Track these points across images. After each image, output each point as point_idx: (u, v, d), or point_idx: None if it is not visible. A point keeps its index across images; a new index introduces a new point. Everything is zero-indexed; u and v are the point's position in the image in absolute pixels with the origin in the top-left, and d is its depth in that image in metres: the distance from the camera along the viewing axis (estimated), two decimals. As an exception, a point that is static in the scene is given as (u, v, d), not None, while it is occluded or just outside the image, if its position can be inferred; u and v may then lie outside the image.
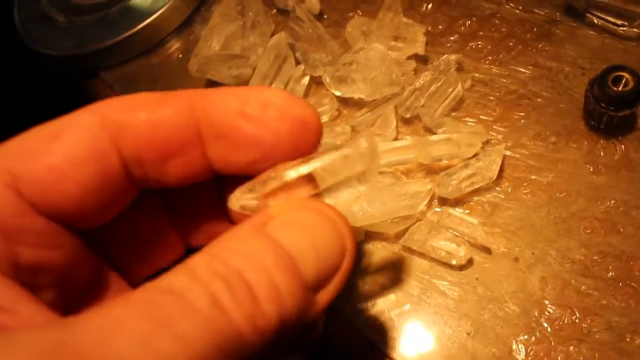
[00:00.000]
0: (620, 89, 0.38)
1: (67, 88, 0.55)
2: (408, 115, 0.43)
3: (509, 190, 0.41)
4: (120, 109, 0.23)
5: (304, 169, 0.23)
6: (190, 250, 0.29)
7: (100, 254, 0.26)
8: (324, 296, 0.22)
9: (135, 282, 0.27)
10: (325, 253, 0.22)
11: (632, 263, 0.37)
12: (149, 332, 0.17)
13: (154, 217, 0.28)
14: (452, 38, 0.47)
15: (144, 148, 0.23)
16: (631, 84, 0.38)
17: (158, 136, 0.23)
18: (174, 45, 0.53)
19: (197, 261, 0.20)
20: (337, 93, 0.44)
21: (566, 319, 0.36)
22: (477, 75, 0.45)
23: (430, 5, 0.49)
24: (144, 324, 0.17)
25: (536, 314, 0.37)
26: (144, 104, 0.23)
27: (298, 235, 0.22)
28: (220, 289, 0.19)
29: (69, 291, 0.23)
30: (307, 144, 0.25)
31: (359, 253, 0.40)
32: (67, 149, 0.22)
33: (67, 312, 0.23)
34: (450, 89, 0.43)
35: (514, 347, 0.36)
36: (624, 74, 0.38)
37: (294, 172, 0.23)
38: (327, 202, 0.23)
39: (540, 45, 0.46)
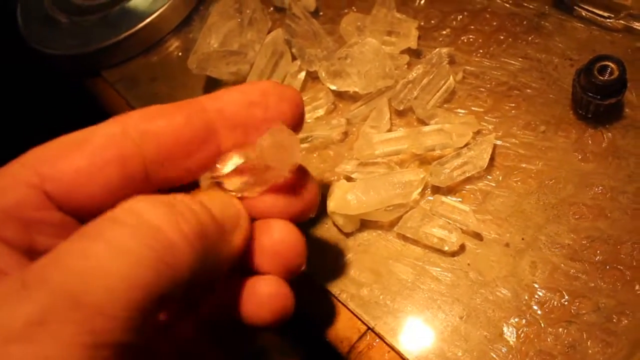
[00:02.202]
0: (606, 78, 0.39)
1: (70, 87, 0.57)
2: (401, 108, 0.44)
3: (500, 179, 0.42)
4: (141, 119, 0.26)
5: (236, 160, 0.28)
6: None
7: None
8: (235, 237, 0.27)
9: None
10: (225, 205, 0.27)
11: (619, 247, 0.38)
12: (89, 246, 0.20)
13: None
14: (444, 32, 0.48)
15: (167, 150, 0.27)
16: (616, 73, 0.39)
17: (178, 137, 0.27)
18: (174, 44, 0.55)
19: (124, 202, 0.23)
20: (333, 87, 0.46)
21: (555, 302, 0.38)
22: (468, 67, 0.46)
23: (422, 1, 0.50)
24: (84, 242, 0.21)
25: (526, 297, 0.38)
26: (162, 112, 0.27)
27: (204, 195, 0.27)
28: (145, 207, 0.22)
29: None
30: (299, 120, 0.30)
31: (355, 241, 0.41)
32: (92, 154, 0.25)
33: None
34: (443, 82, 0.44)
35: (505, 330, 0.37)
36: (610, 63, 0.39)
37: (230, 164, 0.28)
38: None
39: (530, 38, 0.47)
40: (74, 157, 0.25)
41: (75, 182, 0.25)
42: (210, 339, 0.30)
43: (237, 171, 0.28)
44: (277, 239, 0.29)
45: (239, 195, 0.29)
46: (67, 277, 0.19)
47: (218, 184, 0.29)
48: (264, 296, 0.29)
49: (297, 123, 0.30)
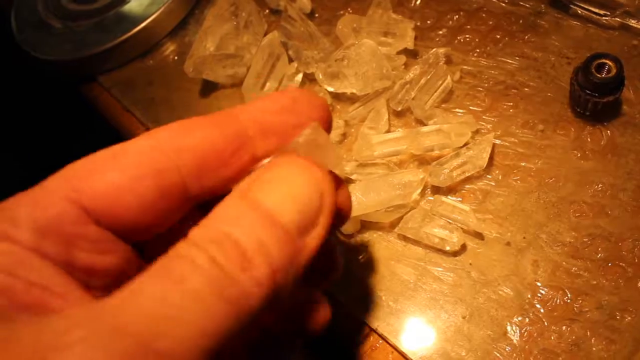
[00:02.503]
0: (603, 75, 0.39)
1: (66, 92, 0.56)
2: (399, 108, 0.44)
3: (500, 178, 0.42)
4: (175, 133, 0.26)
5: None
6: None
7: (147, 259, 0.28)
8: (313, 238, 0.25)
9: None
10: (303, 200, 0.25)
11: (620, 244, 0.38)
12: (164, 290, 0.20)
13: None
14: (440, 32, 0.48)
15: (203, 161, 0.26)
16: (614, 71, 0.39)
17: (213, 149, 0.26)
18: (169, 48, 0.55)
19: (192, 232, 0.23)
20: (330, 89, 0.45)
21: (558, 300, 0.37)
22: (465, 67, 0.46)
23: (418, 1, 0.50)
24: (160, 283, 0.20)
25: (529, 296, 0.38)
26: (196, 125, 0.27)
27: (276, 191, 0.24)
28: (214, 249, 0.22)
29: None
30: (329, 124, 0.30)
31: (356, 242, 0.41)
32: (127, 167, 0.25)
33: None
34: (440, 82, 0.44)
35: (509, 328, 0.37)
36: (607, 61, 0.39)
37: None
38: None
39: (526, 37, 0.47)
40: (109, 172, 0.25)
41: (111, 197, 0.25)
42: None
43: None
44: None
45: None
46: (143, 322, 0.20)
47: None
48: (324, 308, 0.30)
49: (326, 128, 0.30)
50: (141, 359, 0.19)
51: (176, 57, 0.53)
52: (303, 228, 0.24)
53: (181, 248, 0.22)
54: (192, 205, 0.27)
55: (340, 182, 0.31)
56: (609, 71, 0.39)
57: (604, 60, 0.40)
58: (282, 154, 0.27)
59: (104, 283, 0.25)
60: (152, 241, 0.28)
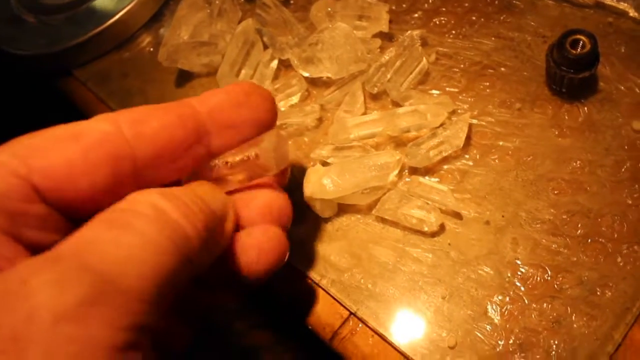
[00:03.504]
0: (578, 51, 0.39)
1: (41, 87, 0.56)
2: (375, 91, 0.44)
3: (478, 157, 0.41)
4: (134, 119, 0.27)
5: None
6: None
7: None
8: (227, 227, 0.29)
9: None
10: (219, 199, 0.29)
11: (599, 220, 0.38)
12: (117, 234, 0.22)
13: None
14: (415, 15, 0.48)
15: (159, 151, 0.27)
16: (588, 46, 0.39)
17: (171, 139, 0.27)
18: (145, 40, 0.54)
19: (133, 195, 0.25)
20: (305, 74, 0.45)
21: (538, 278, 0.37)
22: (441, 49, 0.46)
23: (393, -15, 0.50)
24: (111, 231, 0.22)
25: (509, 274, 0.37)
26: (155, 114, 0.27)
27: (201, 187, 0.29)
28: (158, 199, 0.24)
29: None
30: (276, 115, 0.32)
31: (334, 225, 0.41)
32: (86, 149, 0.25)
33: None
34: (416, 64, 0.44)
35: (489, 307, 0.37)
36: (581, 37, 0.39)
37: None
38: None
39: (502, 17, 0.46)
40: (67, 151, 0.25)
41: (64, 176, 0.25)
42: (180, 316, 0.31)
43: (239, 168, 0.31)
44: (268, 196, 0.32)
45: (236, 187, 0.32)
46: (107, 264, 0.21)
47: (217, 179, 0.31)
48: (262, 240, 0.31)
49: (274, 119, 0.32)
50: (108, 296, 0.20)
51: (152, 49, 0.53)
52: (221, 215, 0.29)
53: (118, 207, 0.24)
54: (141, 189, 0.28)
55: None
56: (583, 47, 0.39)
57: (578, 36, 0.39)
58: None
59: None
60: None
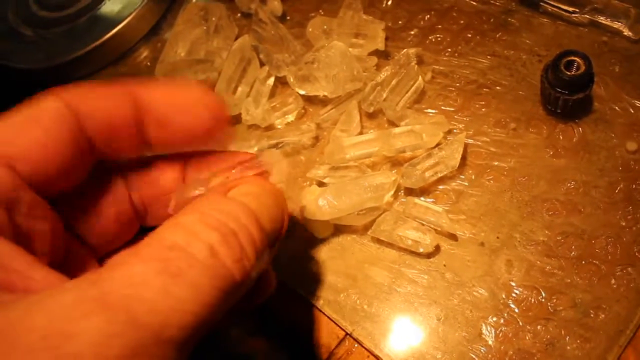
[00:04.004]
0: (572, 73, 0.39)
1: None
2: (371, 110, 0.44)
3: (473, 177, 0.42)
4: (79, 97, 0.27)
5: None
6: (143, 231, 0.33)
7: (72, 232, 0.29)
8: (274, 248, 0.28)
9: (99, 256, 0.31)
10: (274, 217, 0.27)
11: (593, 241, 0.38)
12: (167, 283, 0.22)
13: (118, 201, 0.31)
14: (412, 32, 0.48)
15: (100, 130, 0.27)
16: (583, 68, 0.39)
17: (109, 122, 0.28)
18: (143, 54, 0.54)
19: (188, 219, 0.24)
20: (302, 92, 0.45)
21: (533, 299, 0.37)
22: (437, 67, 0.46)
23: (390, 2, 0.50)
24: (162, 277, 0.22)
25: (503, 296, 0.38)
26: (98, 94, 0.28)
27: (255, 201, 0.27)
28: (216, 239, 0.23)
29: (52, 260, 0.27)
30: (221, 129, 0.31)
31: (330, 246, 0.41)
32: (49, 132, 0.26)
33: None
34: (411, 82, 0.44)
35: (484, 329, 0.37)
36: (576, 58, 0.39)
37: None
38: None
39: (497, 35, 0.47)
40: (33, 135, 0.25)
41: (37, 158, 0.25)
42: None
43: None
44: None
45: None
46: (154, 315, 0.21)
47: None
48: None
49: (219, 130, 0.31)
50: (153, 348, 0.21)
51: (149, 63, 0.53)
52: (272, 238, 0.27)
53: (177, 236, 0.23)
54: (96, 161, 0.29)
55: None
56: (577, 68, 0.39)
57: (573, 58, 0.39)
58: (252, 178, 0.29)
59: (41, 251, 0.26)
60: (77, 213, 0.29)
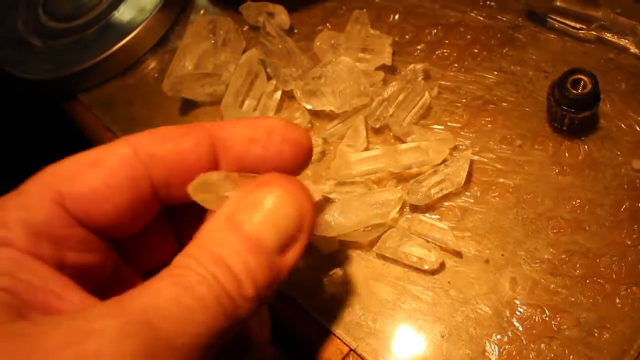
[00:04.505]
0: (579, 91, 0.39)
1: (47, 110, 0.56)
2: (378, 125, 0.44)
3: (478, 194, 0.42)
4: (151, 142, 0.28)
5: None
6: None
7: (120, 254, 0.30)
8: (293, 253, 0.28)
9: (142, 274, 0.32)
10: (283, 221, 0.27)
11: (598, 260, 0.38)
12: (179, 293, 0.23)
13: (161, 226, 0.32)
14: (419, 47, 0.48)
15: (172, 172, 0.28)
16: (589, 86, 0.39)
17: (183, 163, 0.28)
18: (150, 65, 0.54)
19: (193, 250, 0.26)
20: (308, 106, 0.45)
21: (537, 318, 0.37)
22: (443, 82, 0.46)
23: (397, 16, 0.50)
24: (175, 289, 0.24)
25: (507, 314, 0.38)
26: (171, 136, 0.28)
27: (258, 216, 0.27)
28: (213, 268, 0.25)
29: (99, 283, 0.28)
30: (303, 162, 0.31)
31: (335, 262, 0.41)
32: (106, 175, 0.27)
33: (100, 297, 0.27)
34: (418, 98, 0.44)
35: (487, 347, 0.37)
36: (582, 76, 0.39)
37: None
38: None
39: (504, 51, 0.47)
40: (90, 177, 0.26)
41: (90, 202, 0.26)
42: None
43: None
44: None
45: None
46: (166, 321, 0.23)
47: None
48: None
49: (299, 164, 0.31)
50: (165, 352, 0.22)
51: (156, 75, 0.53)
52: (282, 245, 0.27)
53: (184, 261, 0.25)
54: (161, 207, 0.30)
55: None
56: (584, 87, 0.39)
57: (579, 76, 0.40)
58: (263, 179, 0.28)
59: (88, 278, 0.27)
60: (130, 239, 0.30)
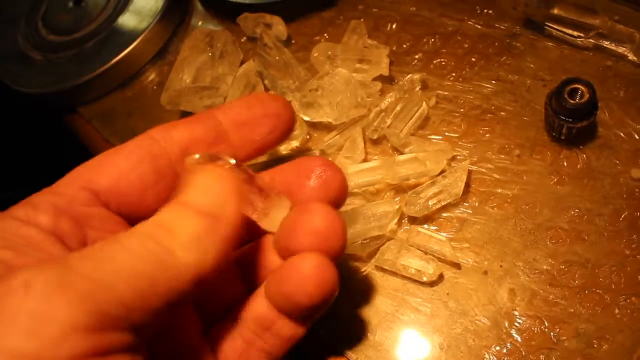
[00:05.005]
0: (576, 101, 0.39)
1: (47, 123, 0.56)
2: (375, 136, 0.44)
3: (476, 205, 0.42)
4: (165, 128, 0.32)
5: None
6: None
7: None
8: (227, 212, 0.28)
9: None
10: (210, 188, 0.28)
11: (597, 270, 0.38)
12: (104, 244, 0.25)
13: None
14: (416, 57, 0.48)
15: (188, 148, 0.31)
16: (587, 96, 0.39)
17: (193, 138, 0.32)
18: (149, 77, 0.55)
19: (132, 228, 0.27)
20: (306, 118, 0.45)
21: (536, 329, 0.37)
22: (441, 92, 0.46)
23: (394, 25, 0.50)
24: (101, 242, 0.25)
25: (506, 325, 0.38)
26: (181, 122, 0.32)
27: (190, 189, 0.28)
28: (148, 229, 0.26)
29: None
30: (291, 115, 0.35)
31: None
32: (128, 155, 0.30)
33: None
34: (416, 108, 0.44)
35: (486, 358, 0.37)
36: (580, 86, 0.39)
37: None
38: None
39: (502, 59, 0.47)
40: (114, 161, 0.30)
41: (117, 180, 0.30)
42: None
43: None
44: (318, 219, 0.31)
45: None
46: (83, 260, 0.24)
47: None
48: (307, 269, 0.30)
49: (289, 117, 0.35)
50: (74, 281, 0.22)
51: (155, 87, 0.53)
52: (215, 205, 0.28)
53: (124, 234, 0.26)
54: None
55: (334, 166, 0.34)
56: (581, 96, 0.39)
57: (577, 85, 0.39)
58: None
59: None
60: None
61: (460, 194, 0.41)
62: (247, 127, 0.33)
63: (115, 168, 0.30)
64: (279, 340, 0.32)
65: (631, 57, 0.44)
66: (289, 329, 0.32)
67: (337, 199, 0.33)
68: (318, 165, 0.33)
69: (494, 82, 0.46)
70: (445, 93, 0.46)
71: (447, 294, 0.39)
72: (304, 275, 0.30)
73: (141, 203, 0.31)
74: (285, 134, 0.35)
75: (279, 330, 0.32)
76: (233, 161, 0.30)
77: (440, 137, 0.44)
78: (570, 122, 0.40)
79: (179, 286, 0.25)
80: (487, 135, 0.44)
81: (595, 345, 0.36)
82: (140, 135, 0.32)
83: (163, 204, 0.29)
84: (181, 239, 0.26)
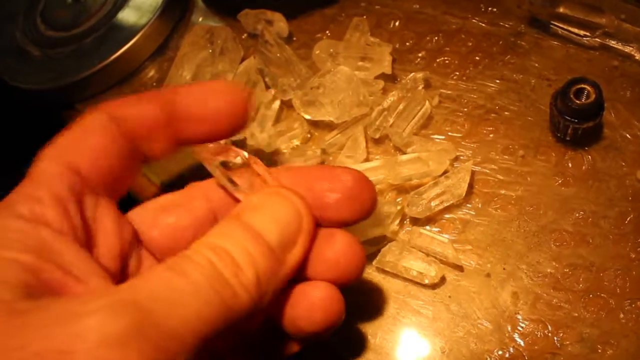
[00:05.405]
0: (582, 101, 0.39)
1: (45, 120, 0.56)
2: (377, 136, 0.44)
3: (480, 206, 0.41)
4: (116, 107, 0.31)
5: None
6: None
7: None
8: (293, 255, 0.29)
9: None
10: (284, 223, 0.29)
11: (601, 274, 0.38)
12: (171, 277, 0.24)
13: None
14: (419, 55, 0.48)
15: (137, 132, 0.31)
16: (593, 96, 0.38)
17: (142, 122, 0.31)
18: (149, 74, 0.54)
19: (195, 244, 0.27)
20: (307, 116, 0.45)
21: (539, 333, 0.37)
22: (444, 91, 0.46)
23: (397, 23, 0.50)
24: (167, 273, 0.24)
25: (509, 329, 0.37)
26: (138, 101, 0.31)
27: (262, 215, 0.29)
28: (211, 255, 0.26)
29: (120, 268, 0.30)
30: (243, 108, 0.33)
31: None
32: (100, 139, 0.29)
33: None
34: (418, 107, 0.43)
35: (489, 363, 0.37)
36: (586, 86, 0.39)
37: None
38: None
39: (506, 58, 0.46)
40: (90, 142, 0.29)
41: (95, 162, 0.29)
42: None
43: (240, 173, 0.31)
44: (339, 250, 0.31)
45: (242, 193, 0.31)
46: (156, 302, 0.23)
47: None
48: (317, 299, 0.30)
49: (242, 110, 0.33)
50: (151, 333, 0.22)
51: (155, 84, 0.53)
52: (283, 244, 0.28)
53: (182, 253, 0.26)
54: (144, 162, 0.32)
55: (367, 181, 0.33)
56: (588, 96, 0.39)
57: (583, 86, 0.39)
58: (268, 187, 0.31)
59: (113, 255, 0.29)
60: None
61: (463, 195, 0.40)
62: (199, 120, 0.32)
63: (90, 149, 0.29)
64: (272, 353, 0.33)
65: (638, 56, 0.43)
66: (284, 346, 0.33)
67: (366, 215, 0.33)
68: (352, 179, 0.32)
69: (498, 81, 0.45)
70: (449, 92, 0.45)
71: (449, 296, 0.39)
72: (313, 304, 0.30)
73: (113, 180, 0.30)
74: (235, 131, 0.34)
75: (275, 345, 0.33)
76: (246, 154, 0.31)
77: (443, 137, 0.44)
78: (576, 122, 0.39)
79: (229, 325, 0.25)
80: (491, 135, 0.43)
81: (600, 351, 0.36)
82: (99, 111, 0.31)
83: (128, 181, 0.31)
84: (247, 278, 0.26)
